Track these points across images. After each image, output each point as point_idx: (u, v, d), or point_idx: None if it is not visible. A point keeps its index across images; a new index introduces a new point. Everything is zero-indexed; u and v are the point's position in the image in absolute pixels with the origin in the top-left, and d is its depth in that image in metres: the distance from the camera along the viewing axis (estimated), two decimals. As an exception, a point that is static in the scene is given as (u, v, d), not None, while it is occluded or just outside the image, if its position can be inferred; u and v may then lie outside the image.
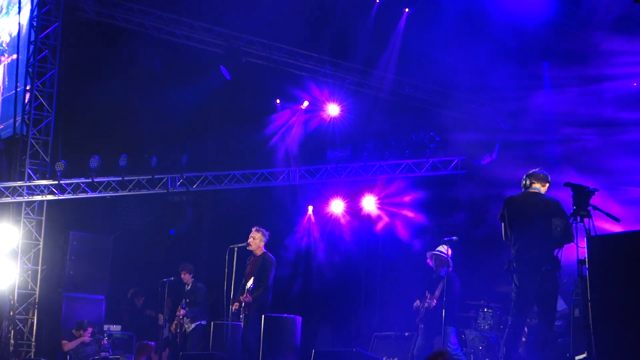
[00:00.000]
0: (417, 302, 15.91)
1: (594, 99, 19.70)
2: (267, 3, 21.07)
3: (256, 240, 15.80)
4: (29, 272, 21.88)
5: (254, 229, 15.98)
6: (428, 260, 15.95)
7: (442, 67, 21.03)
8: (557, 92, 20.55)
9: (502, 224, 12.40)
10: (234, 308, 15.64)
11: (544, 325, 11.97)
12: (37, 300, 21.78)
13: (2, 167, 23.35)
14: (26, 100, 22.29)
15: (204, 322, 18.92)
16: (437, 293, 15.36)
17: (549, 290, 11.69)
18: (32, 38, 22.26)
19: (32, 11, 22.27)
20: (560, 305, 15.27)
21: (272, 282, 15.82)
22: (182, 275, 19.34)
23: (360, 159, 21.93)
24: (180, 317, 18.84)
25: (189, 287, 19.30)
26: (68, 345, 20.17)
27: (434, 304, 15.23)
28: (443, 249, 15.60)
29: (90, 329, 20.34)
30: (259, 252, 15.82)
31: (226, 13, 21.78)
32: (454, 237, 15.00)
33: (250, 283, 15.51)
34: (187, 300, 19.02)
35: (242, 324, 15.73)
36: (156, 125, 23.14)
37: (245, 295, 15.40)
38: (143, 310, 23.02)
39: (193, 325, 18.85)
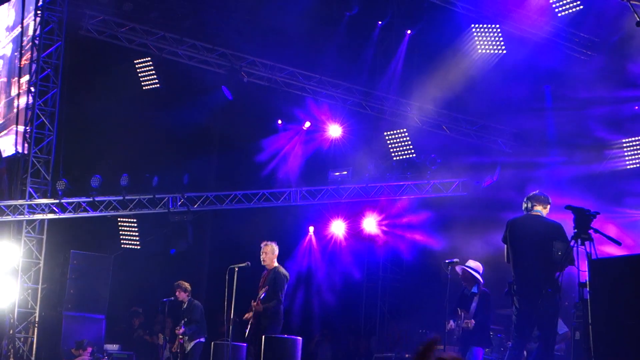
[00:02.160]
0: (451, 324, 15.37)
1: (596, 122, 19.73)
2: (268, 24, 21.13)
3: (268, 254, 15.74)
4: (29, 290, 21.84)
5: (263, 244, 15.90)
6: (457, 268, 15.51)
7: (444, 89, 21.06)
8: (558, 114, 20.59)
9: (505, 247, 12.37)
10: (246, 316, 15.58)
11: (544, 348, 11.93)
12: (36, 319, 21.73)
13: (3, 186, 23.34)
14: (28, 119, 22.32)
15: (202, 340, 18.76)
16: (472, 310, 14.96)
17: (550, 313, 11.65)
18: (35, 57, 22.29)
19: (34, 30, 22.31)
20: (561, 328, 15.18)
21: (284, 296, 15.74)
22: (177, 294, 19.11)
23: (361, 180, 21.95)
24: (180, 336, 18.71)
25: (185, 305, 19.14)
26: None
27: (472, 324, 14.76)
28: (472, 263, 15.32)
29: (89, 349, 20.28)
30: (271, 266, 15.74)
31: (228, 33, 21.84)
32: (456, 259, 14.86)
33: (261, 293, 15.44)
34: (185, 319, 18.88)
35: (246, 335, 15.67)
36: (158, 145, 23.17)
37: (256, 303, 15.34)
38: (138, 330, 23.01)
39: (192, 344, 18.69)
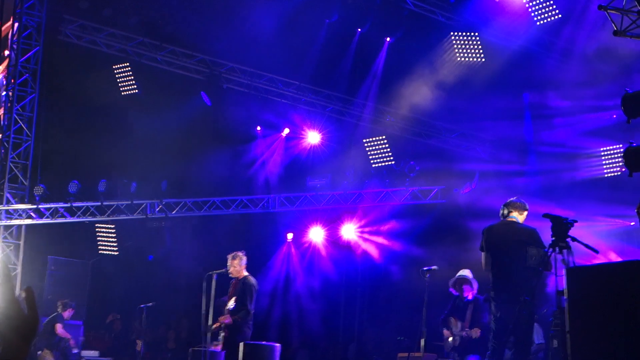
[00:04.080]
0: (448, 332, 15.34)
1: (575, 130, 19.82)
2: (248, 30, 21.11)
3: (235, 267, 15.63)
4: (6, 296, 21.72)
5: (229, 256, 15.81)
6: (450, 289, 15.60)
7: (423, 96, 21.10)
8: (537, 122, 20.68)
9: (482, 254, 12.40)
10: (214, 327, 15.50)
11: (519, 355, 11.95)
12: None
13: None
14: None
15: None
16: (468, 319, 14.96)
17: (525, 320, 11.68)
18: (12, 62, 22.22)
19: (12, 35, 22.23)
20: (538, 338, 15.22)
21: (254, 305, 15.69)
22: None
23: (340, 187, 21.95)
24: None
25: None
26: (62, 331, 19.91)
27: (479, 333, 14.74)
28: (464, 272, 15.37)
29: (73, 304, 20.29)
30: (240, 276, 15.68)
31: (208, 40, 21.82)
32: (434, 267, 14.87)
33: (231, 303, 15.36)
34: None
35: (219, 348, 15.60)
36: (136, 151, 23.11)
37: (225, 317, 15.27)
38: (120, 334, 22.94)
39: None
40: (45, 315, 21.43)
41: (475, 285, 15.10)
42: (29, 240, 22.40)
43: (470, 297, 15.07)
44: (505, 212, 12.36)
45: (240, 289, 15.43)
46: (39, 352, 19.48)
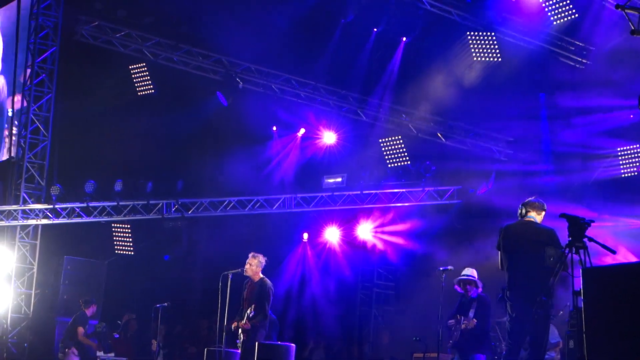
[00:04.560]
0: (452, 322, 15.35)
1: (591, 130, 19.73)
2: (264, 30, 21.11)
3: (253, 266, 15.56)
4: (23, 296, 21.80)
5: (250, 255, 15.76)
6: (455, 287, 15.60)
7: (439, 96, 21.05)
8: (553, 122, 20.59)
9: (499, 253, 12.34)
10: (233, 326, 15.46)
11: (534, 354, 11.89)
12: (30, 325, 21.67)
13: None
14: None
15: None
16: (471, 315, 14.95)
17: (541, 320, 11.62)
18: (29, 62, 22.27)
19: (29, 35, 22.29)
20: (554, 337, 15.16)
21: (270, 307, 15.68)
22: None
23: (355, 187, 21.91)
24: None
25: None
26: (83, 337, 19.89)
27: (475, 322, 14.75)
28: (469, 271, 15.35)
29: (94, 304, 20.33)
30: (256, 278, 15.58)
31: (223, 40, 21.81)
32: (450, 267, 14.85)
33: (250, 310, 15.31)
34: None
35: (239, 351, 15.58)
36: (152, 151, 23.13)
37: (245, 322, 15.23)
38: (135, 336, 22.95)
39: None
40: (63, 315, 21.50)
41: (479, 285, 15.10)
42: (45, 240, 22.45)
43: (474, 295, 15.05)
44: (523, 211, 12.30)
45: (258, 292, 15.39)
46: (67, 349, 19.52)
